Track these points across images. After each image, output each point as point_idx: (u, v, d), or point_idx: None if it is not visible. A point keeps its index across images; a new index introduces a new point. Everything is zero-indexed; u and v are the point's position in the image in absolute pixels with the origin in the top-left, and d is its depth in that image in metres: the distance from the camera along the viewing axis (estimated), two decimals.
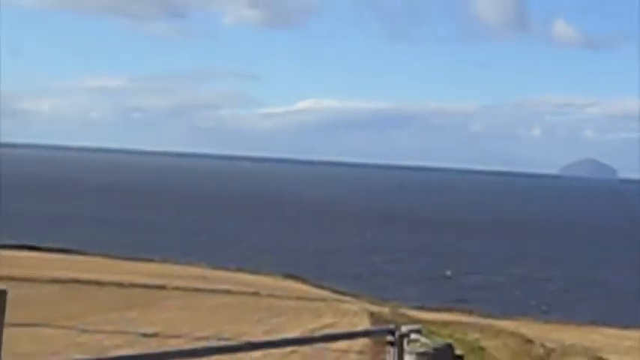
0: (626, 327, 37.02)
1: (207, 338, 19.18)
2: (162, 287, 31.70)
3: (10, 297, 6.71)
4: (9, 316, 6.71)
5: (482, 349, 20.34)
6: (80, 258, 48.10)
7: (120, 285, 31.16)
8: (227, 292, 33.48)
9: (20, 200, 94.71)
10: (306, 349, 17.50)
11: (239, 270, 51.04)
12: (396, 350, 8.05)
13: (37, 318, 19.88)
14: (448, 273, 70.35)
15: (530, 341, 23.42)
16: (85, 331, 19.77)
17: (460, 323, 28.50)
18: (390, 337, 8.28)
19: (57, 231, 73.47)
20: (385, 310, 31.03)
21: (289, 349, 16.84)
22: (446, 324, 26.09)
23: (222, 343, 15.28)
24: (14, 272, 28.85)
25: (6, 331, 6.99)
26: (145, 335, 19.65)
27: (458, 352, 8.22)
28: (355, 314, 28.63)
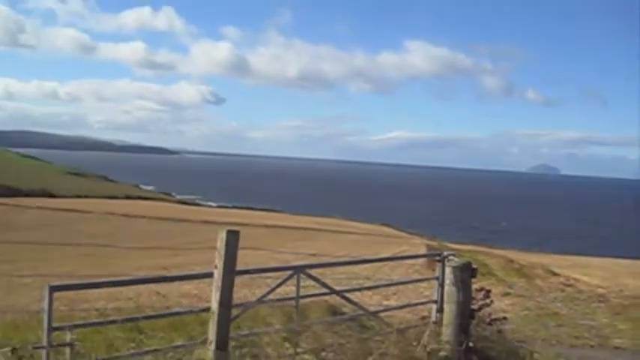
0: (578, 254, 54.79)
1: (342, 256, 26.76)
2: (318, 230, 51.94)
3: (241, 235, 7.60)
4: (240, 244, 7.61)
5: (485, 264, 30.08)
6: (278, 215, 78.78)
7: (296, 228, 51.58)
8: (352, 232, 55.63)
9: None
10: (393, 263, 28.43)
11: (357, 220, 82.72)
12: (441, 265, 10.72)
13: (252, 245, 24.27)
14: (504, 224, 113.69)
15: (511, 260, 33.88)
16: (278, 252, 32.80)
17: (475, 251, 40.94)
18: (437, 258, 11.09)
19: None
20: (435, 243, 46.50)
21: (384, 263, 28.53)
22: (468, 251, 37.80)
23: (348, 259, 19.20)
24: (245, 221, 48.66)
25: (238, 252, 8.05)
26: (309, 254, 30.17)
27: (473, 266, 10.32)
28: (419, 245, 44.31)
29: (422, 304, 12.18)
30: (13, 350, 7.09)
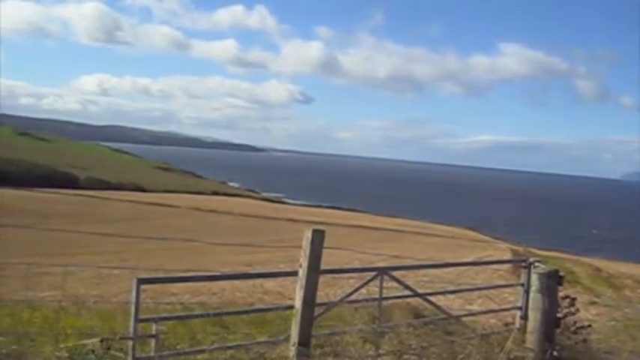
0: None
1: (424, 259, 28.99)
2: (400, 231, 51.63)
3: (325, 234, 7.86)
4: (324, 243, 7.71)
5: (572, 272, 29.83)
6: (361, 215, 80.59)
7: (379, 229, 51.28)
8: (436, 235, 54.79)
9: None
10: (477, 267, 28.19)
11: (441, 223, 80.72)
12: (527, 272, 10.53)
13: (336, 245, 26.14)
14: (594, 231, 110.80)
15: (599, 269, 33.30)
16: (361, 252, 33.10)
17: (561, 258, 40.11)
18: (523, 264, 10.87)
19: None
20: (520, 249, 45.52)
21: (467, 267, 28.02)
22: (553, 258, 37.52)
23: (432, 262, 22.00)
24: (329, 220, 48.68)
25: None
26: (392, 256, 30.76)
27: (560, 273, 10.18)
28: (504, 250, 43.48)
29: (506, 310, 11.97)
30: (102, 340, 7.27)
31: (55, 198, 72.45)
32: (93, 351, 7.24)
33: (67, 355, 7.31)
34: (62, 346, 7.47)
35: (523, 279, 10.80)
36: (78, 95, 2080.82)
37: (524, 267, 10.82)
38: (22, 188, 78.68)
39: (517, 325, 10.66)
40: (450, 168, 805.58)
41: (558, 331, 10.18)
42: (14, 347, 6.96)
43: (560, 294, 10.58)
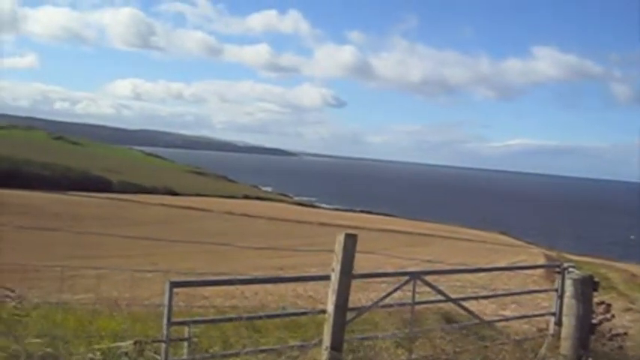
0: None
1: (456, 264, 27.69)
2: (432, 235, 51.68)
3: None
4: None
5: (607, 278, 29.29)
6: (393, 219, 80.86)
7: (411, 233, 51.26)
8: (468, 240, 54.63)
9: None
10: (510, 272, 27.23)
11: (473, 227, 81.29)
12: (561, 277, 10.43)
13: (367, 249, 29.46)
14: (632, 237, 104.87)
15: (634, 275, 32.81)
16: (393, 256, 32.06)
17: (596, 263, 39.95)
18: (557, 269, 10.79)
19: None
20: (554, 254, 45.01)
21: (500, 272, 27.73)
22: (587, 263, 37.36)
23: (464, 267, 20.83)
24: (361, 224, 48.95)
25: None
26: (424, 260, 29.32)
27: (595, 279, 10.05)
28: (537, 255, 43.06)
29: (540, 315, 11.90)
30: (136, 342, 7.32)
31: (88, 201, 73.20)
32: (126, 353, 7.29)
33: (100, 357, 7.34)
34: (96, 347, 7.50)
35: (557, 284, 10.72)
36: (112, 100, 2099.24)
37: (558, 272, 10.73)
38: (56, 192, 79.69)
39: (551, 331, 10.58)
40: (483, 172, 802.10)
41: (593, 337, 10.03)
42: (48, 350, 7.02)
43: (595, 300, 10.40)
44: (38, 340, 7.08)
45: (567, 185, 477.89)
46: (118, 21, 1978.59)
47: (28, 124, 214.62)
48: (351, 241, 7.52)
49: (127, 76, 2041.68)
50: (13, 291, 8.13)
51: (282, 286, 17.87)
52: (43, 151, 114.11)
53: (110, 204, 71.79)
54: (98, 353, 7.39)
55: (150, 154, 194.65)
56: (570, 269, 10.40)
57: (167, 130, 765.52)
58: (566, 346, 9.69)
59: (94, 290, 16.30)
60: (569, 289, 9.87)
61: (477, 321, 10.49)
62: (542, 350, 9.74)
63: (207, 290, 16.21)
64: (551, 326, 10.64)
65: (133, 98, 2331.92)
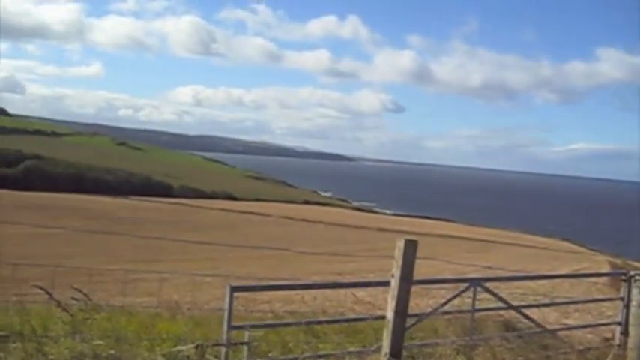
0: None
1: (517, 270, 26.02)
2: (492, 241, 51.12)
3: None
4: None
5: None
6: (452, 225, 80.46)
7: (471, 239, 50.96)
8: (529, 246, 53.75)
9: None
10: (573, 280, 26.87)
11: (534, 233, 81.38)
12: (627, 285, 10.14)
13: (426, 255, 28.75)
14: None
15: None
16: (452, 262, 32.31)
17: None
18: (623, 277, 10.48)
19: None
20: (619, 261, 43.91)
21: (563, 279, 27.06)
22: None
23: (525, 274, 19.88)
24: (420, 230, 48.98)
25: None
26: (484, 267, 29.71)
27: None
28: (601, 262, 42.15)
29: (604, 324, 11.64)
30: (197, 346, 7.38)
31: (150, 206, 74.36)
32: (187, 357, 7.36)
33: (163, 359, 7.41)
34: (158, 350, 7.58)
35: (623, 293, 10.41)
36: (173, 106, 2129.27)
37: (624, 280, 10.40)
38: (119, 196, 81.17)
39: (617, 340, 10.31)
40: (545, 177, 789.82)
41: None
42: (112, 351, 7.11)
43: None
44: (101, 342, 7.16)
45: (633, 190, 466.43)
46: (179, 29, 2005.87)
47: (94, 131, 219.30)
48: (411, 247, 7.44)
49: (189, 82, 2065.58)
50: (85, 294, 8.20)
51: (341, 292, 17.77)
52: (107, 157, 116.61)
53: (171, 209, 72.70)
54: (160, 356, 7.46)
55: (210, 160, 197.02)
56: (637, 277, 10.01)
57: (227, 135, 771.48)
58: (633, 356, 9.50)
59: (155, 293, 16.50)
60: (635, 298, 9.69)
61: (538, 329, 10.27)
62: None
63: (267, 295, 16.27)
64: (617, 336, 10.35)
65: (194, 104, 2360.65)
